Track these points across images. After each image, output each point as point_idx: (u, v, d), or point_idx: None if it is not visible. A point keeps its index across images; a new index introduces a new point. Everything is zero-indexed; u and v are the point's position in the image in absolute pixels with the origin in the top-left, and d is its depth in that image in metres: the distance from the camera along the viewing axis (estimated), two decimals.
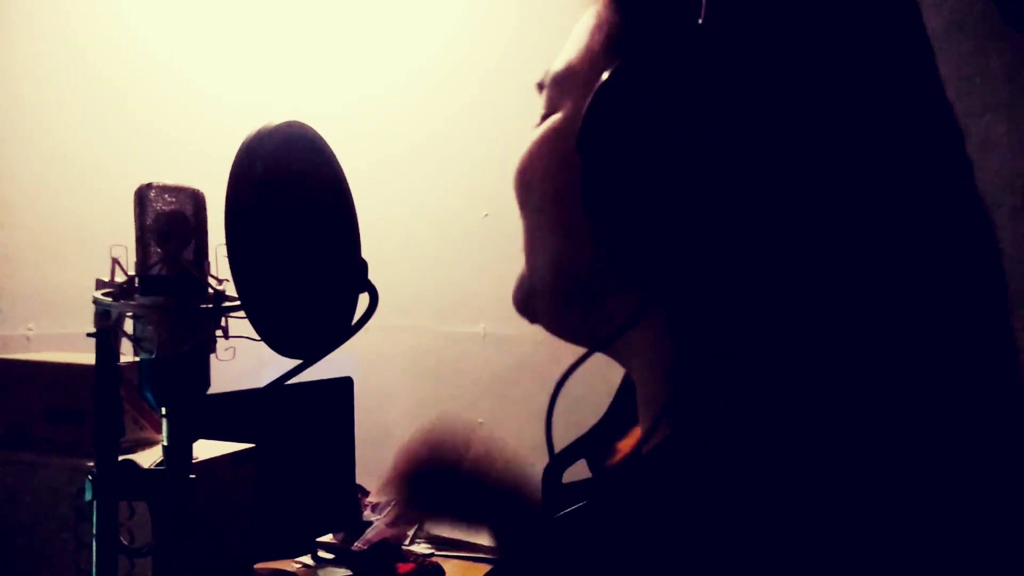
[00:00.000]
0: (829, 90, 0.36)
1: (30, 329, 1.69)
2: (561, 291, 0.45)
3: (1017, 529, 0.36)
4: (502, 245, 2.03)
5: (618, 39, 0.41)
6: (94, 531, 0.65)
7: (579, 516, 0.41)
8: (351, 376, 1.86)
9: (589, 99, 0.39)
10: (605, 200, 0.39)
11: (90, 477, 0.66)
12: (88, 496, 0.65)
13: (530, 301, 0.48)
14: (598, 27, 0.43)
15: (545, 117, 0.46)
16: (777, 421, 0.37)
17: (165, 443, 0.63)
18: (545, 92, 0.46)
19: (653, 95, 0.37)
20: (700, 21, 0.36)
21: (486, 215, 2.04)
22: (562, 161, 0.43)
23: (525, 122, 0.49)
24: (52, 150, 1.74)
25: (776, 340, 0.38)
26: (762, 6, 0.37)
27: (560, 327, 0.48)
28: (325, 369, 1.83)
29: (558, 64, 0.45)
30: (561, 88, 0.45)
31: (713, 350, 0.39)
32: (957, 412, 0.36)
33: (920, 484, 0.35)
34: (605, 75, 0.38)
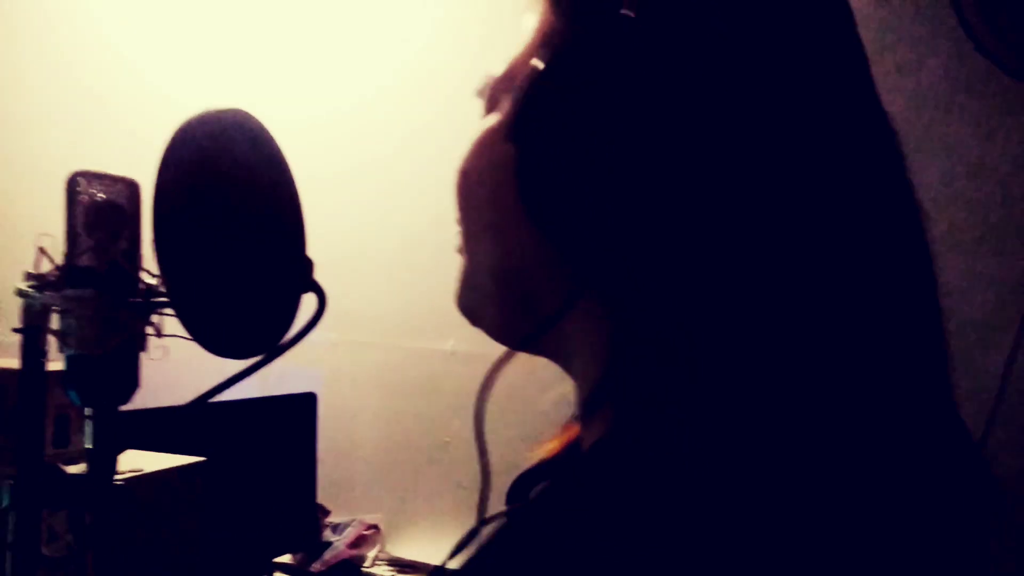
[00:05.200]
0: (757, 83, 0.36)
1: None
2: (502, 292, 0.45)
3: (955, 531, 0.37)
4: None
5: (551, 37, 0.41)
6: (10, 539, 0.61)
7: (522, 514, 0.40)
8: (315, 392, 1.82)
9: (519, 93, 0.39)
10: (537, 192, 0.39)
11: (10, 482, 0.62)
12: (5, 503, 0.61)
13: (475, 304, 0.48)
14: (537, 29, 0.43)
15: None
16: (714, 413, 0.36)
17: (89, 446, 0.60)
18: (486, 96, 0.46)
19: (580, 87, 0.37)
20: (624, 12, 0.36)
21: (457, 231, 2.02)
22: (499, 161, 0.43)
23: None
24: None
25: (711, 331, 0.37)
26: None
27: (501, 330, 0.47)
28: (289, 384, 1.80)
29: (499, 69, 0.45)
30: (499, 91, 0.45)
31: (648, 341, 0.39)
32: (891, 412, 0.36)
33: (858, 481, 0.35)
34: (534, 67, 0.39)
